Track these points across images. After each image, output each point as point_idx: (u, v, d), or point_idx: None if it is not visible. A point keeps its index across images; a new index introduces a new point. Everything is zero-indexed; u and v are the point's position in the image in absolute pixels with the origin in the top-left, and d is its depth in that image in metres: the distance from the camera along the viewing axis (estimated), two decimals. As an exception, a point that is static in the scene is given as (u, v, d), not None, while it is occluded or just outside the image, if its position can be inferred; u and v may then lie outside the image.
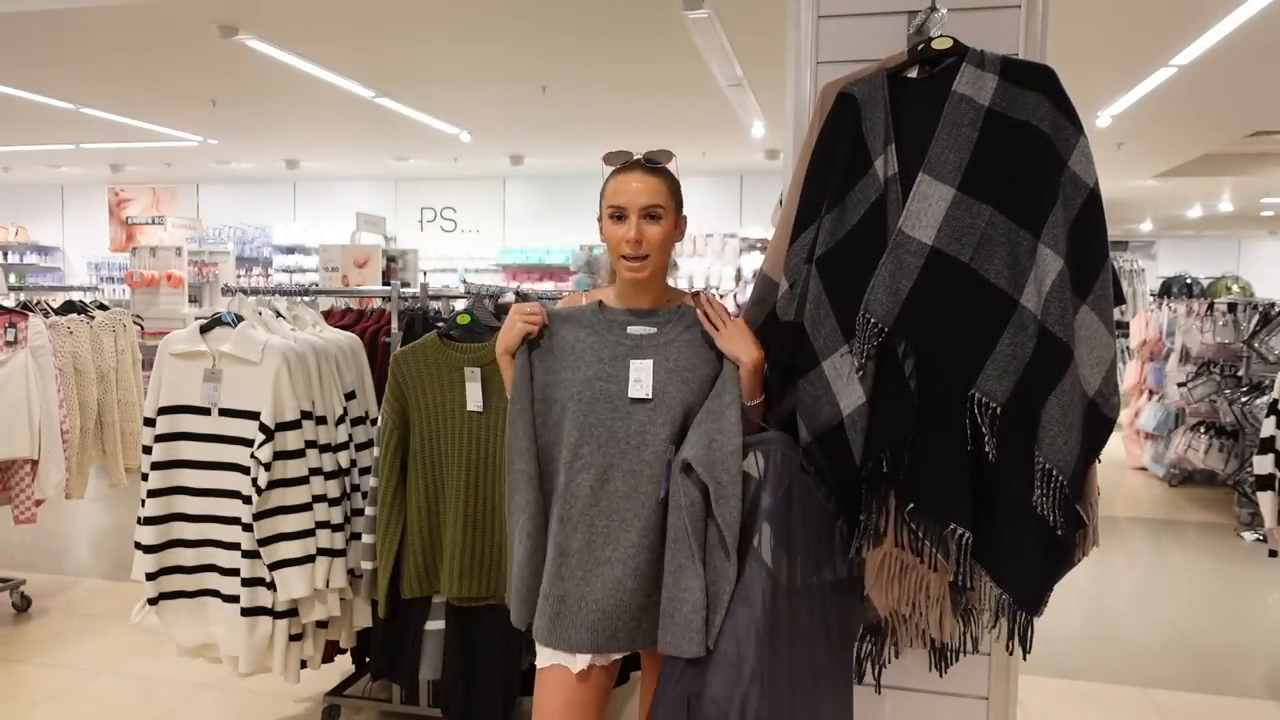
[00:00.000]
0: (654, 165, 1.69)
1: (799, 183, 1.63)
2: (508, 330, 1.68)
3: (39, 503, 3.56)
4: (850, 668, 1.63)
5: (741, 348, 1.63)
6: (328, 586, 2.47)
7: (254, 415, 2.41)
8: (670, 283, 1.81)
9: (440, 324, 2.51)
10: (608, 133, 8.28)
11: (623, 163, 1.70)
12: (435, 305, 2.94)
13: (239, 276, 10.64)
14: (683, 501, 1.53)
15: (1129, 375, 7.66)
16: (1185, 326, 6.71)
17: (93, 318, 3.91)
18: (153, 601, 2.50)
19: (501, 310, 2.62)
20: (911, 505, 1.49)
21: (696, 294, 1.77)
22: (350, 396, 2.61)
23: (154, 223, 11.30)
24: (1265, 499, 3.19)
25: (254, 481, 2.37)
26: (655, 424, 1.60)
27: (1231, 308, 6.44)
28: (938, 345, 1.47)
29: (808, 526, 1.54)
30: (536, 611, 1.63)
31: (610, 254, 1.70)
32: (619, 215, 1.64)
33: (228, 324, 2.50)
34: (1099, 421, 1.45)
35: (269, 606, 2.42)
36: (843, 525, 1.55)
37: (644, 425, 1.60)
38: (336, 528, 2.49)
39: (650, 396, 1.60)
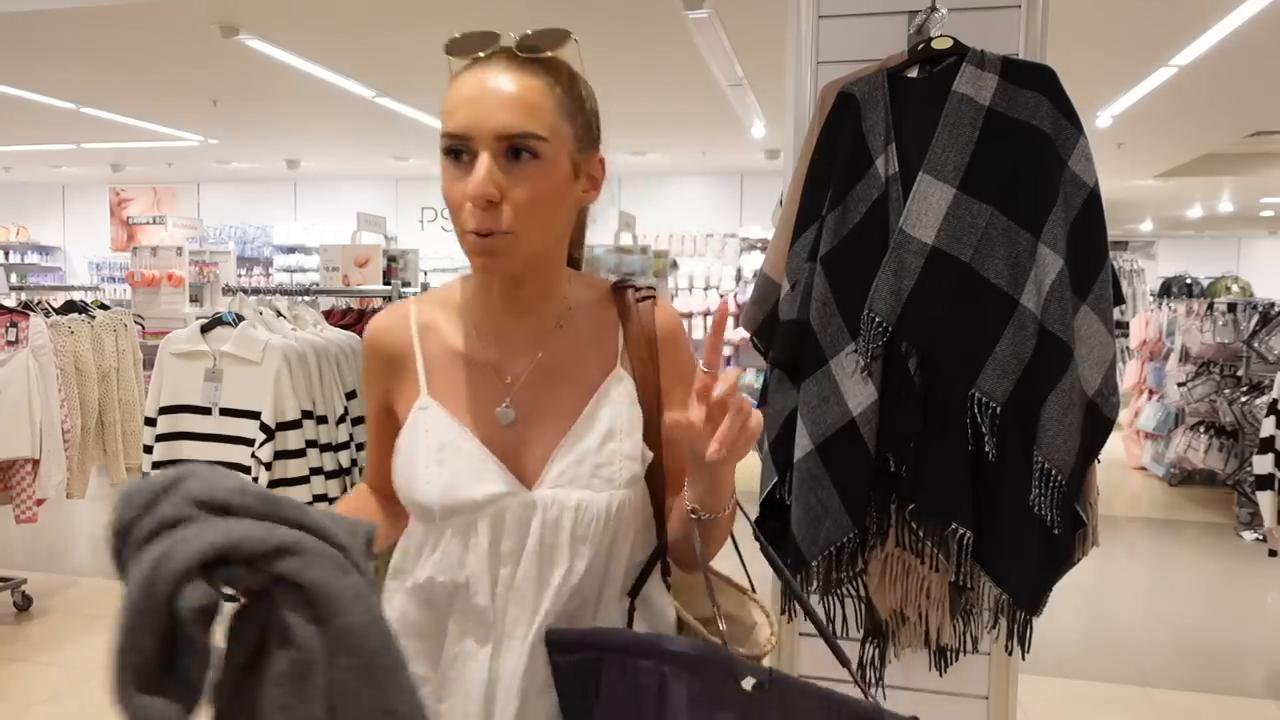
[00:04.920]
0: (531, 54, 0.92)
1: (799, 182, 1.63)
2: None
3: (40, 502, 3.56)
4: None
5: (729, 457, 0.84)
6: (328, 586, 2.47)
7: (255, 415, 2.42)
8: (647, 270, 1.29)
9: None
10: (607, 132, 8.28)
11: (475, 53, 0.92)
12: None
13: (240, 276, 10.63)
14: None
15: (1129, 375, 7.66)
16: (1185, 326, 6.71)
17: (94, 317, 3.92)
18: (154, 601, 2.51)
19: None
20: (912, 506, 1.49)
21: (623, 286, 1.06)
22: (351, 396, 2.61)
23: (155, 222, 11.29)
24: (1265, 498, 3.20)
25: (254, 481, 2.38)
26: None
27: (1231, 308, 6.44)
28: (938, 345, 1.47)
29: None
30: None
31: (452, 222, 0.92)
32: (456, 149, 0.89)
33: (228, 323, 2.50)
34: (1098, 421, 1.45)
35: (270, 606, 2.43)
36: (854, 535, 1.53)
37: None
38: (337, 527, 2.50)
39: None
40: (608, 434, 0.98)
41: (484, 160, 0.88)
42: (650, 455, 1.01)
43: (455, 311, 1.04)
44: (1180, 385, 6.66)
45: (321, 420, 2.49)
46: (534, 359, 1.00)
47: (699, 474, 0.91)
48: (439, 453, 0.96)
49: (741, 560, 1.20)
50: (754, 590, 1.21)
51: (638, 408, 1.01)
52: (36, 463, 3.49)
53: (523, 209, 0.89)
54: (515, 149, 0.89)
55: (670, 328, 1.06)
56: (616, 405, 1.00)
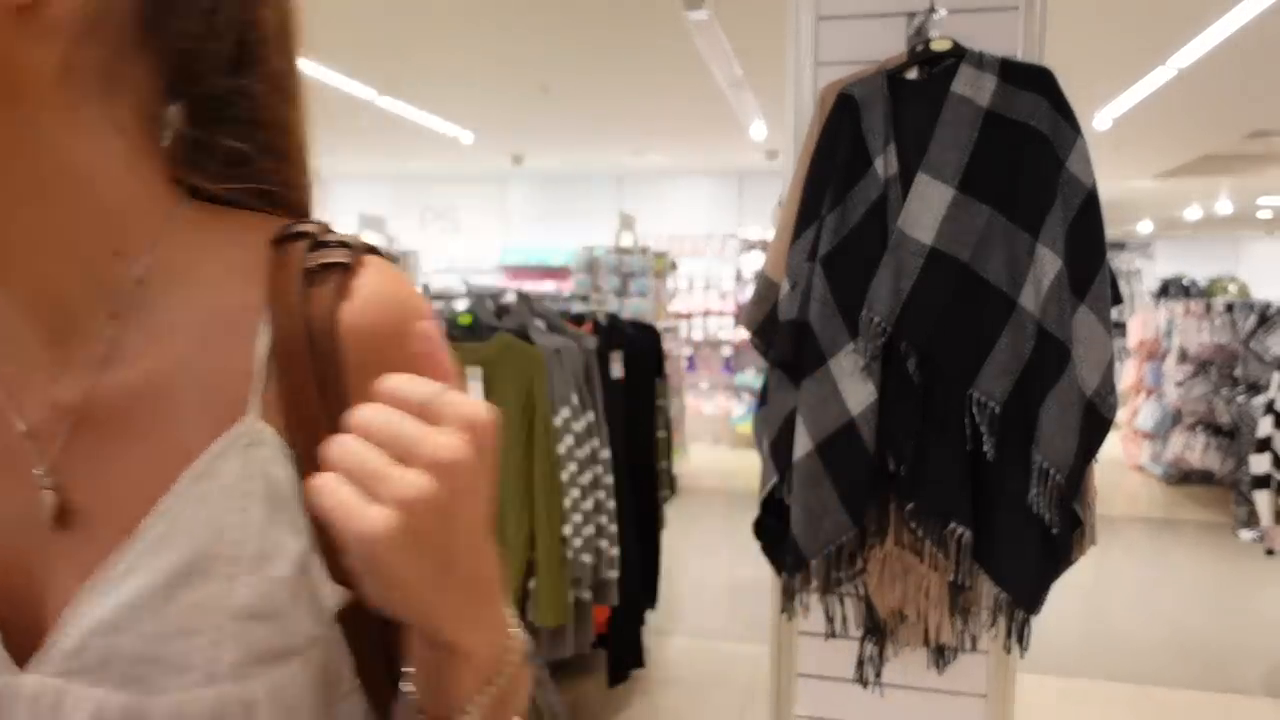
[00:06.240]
0: None
1: (799, 183, 1.64)
2: None
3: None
4: None
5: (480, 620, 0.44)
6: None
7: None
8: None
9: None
10: (608, 133, 8.29)
11: None
12: (437, 305, 2.95)
13: (239, 276, 10.60)
14: None
15: (1127, 374, 7.68)
16: (1183, 326, 6.73)
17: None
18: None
19: (503, 310, 2.63)
20: (911, 505, 1.50)
21: (293, 233, 0.52)
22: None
23: (154, 222, 11.29)
24: (1261, 498, 3.21)
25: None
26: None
27: (1229, 308, 6.46)
28: (937, 345, 1.49)
29: None
30: None
31: None
32: None
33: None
34: (1096, 421, 1.46)
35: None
36: (853, 534, 1.54)
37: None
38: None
39: None
40: (190, 566, 0.47)
41: None
42: (338, 595, 0.50)
43: None
44: (1178, 385, 6.67)
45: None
46: (52, 393, 0.49)
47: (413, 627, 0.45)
48: None
49: None
50: None
51: (295, 496, 0.49)
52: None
53: None
54: None
55: (376, 323, 0.51)
56: (228, 501, 0.48)
